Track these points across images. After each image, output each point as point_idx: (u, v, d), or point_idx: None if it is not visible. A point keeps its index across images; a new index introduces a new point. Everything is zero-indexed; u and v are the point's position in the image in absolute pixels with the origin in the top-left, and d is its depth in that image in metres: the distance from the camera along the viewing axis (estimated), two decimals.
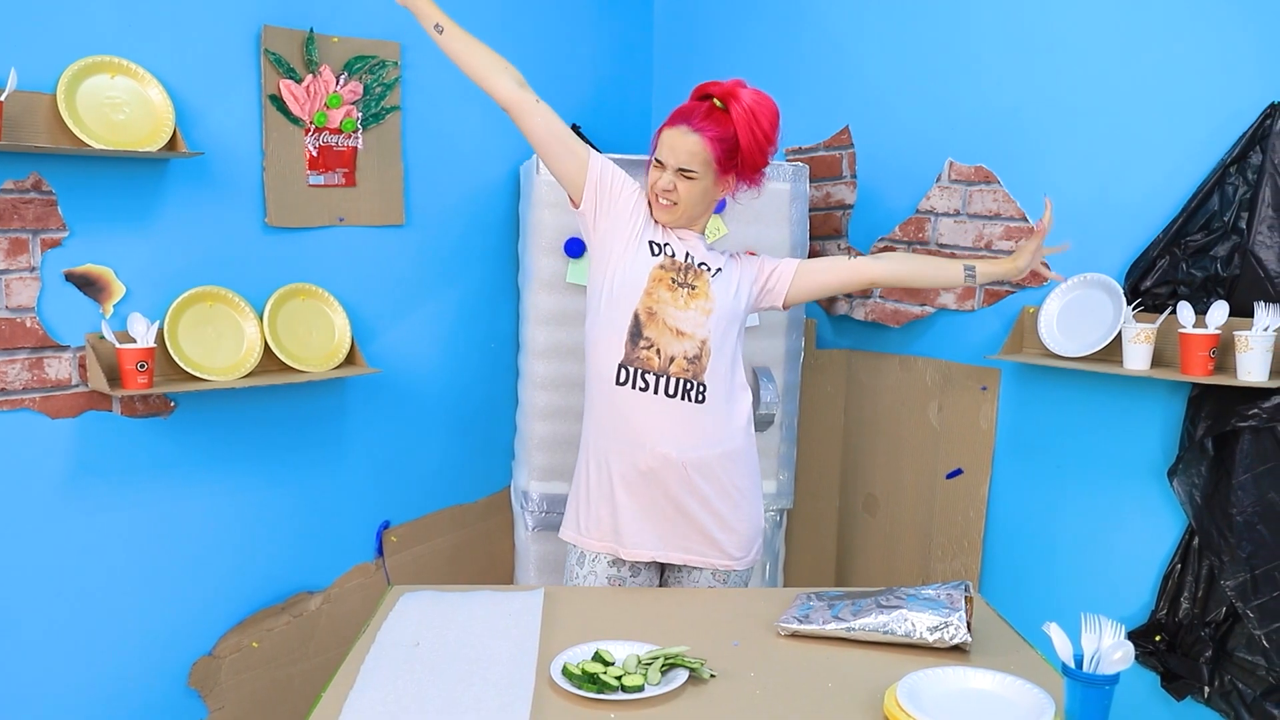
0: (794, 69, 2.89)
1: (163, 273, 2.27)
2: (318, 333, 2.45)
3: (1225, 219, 2.05)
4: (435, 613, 1.68)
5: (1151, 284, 2.15)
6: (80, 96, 2.08)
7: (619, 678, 1.40)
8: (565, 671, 1.42)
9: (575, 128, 2.97)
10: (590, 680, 1.40)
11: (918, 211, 2.61)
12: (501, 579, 2.96)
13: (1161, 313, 2.12)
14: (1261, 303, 1.95)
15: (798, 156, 2.91)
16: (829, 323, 2.92)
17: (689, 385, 1.91)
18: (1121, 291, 2.16)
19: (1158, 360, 2.12)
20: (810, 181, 2.78)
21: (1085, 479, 2.32)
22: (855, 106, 2.75)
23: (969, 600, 1.60)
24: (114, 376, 2.15)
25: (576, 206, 1.98)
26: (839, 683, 1.44)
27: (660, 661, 1.44)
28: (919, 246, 2.61)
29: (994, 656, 1.53)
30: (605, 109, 3.10)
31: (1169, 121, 2.13)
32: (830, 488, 2.91)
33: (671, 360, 1.90)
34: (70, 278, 2.15)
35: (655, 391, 1.90)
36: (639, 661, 1.45)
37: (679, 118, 1.91)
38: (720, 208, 2.02)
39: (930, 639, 1.53)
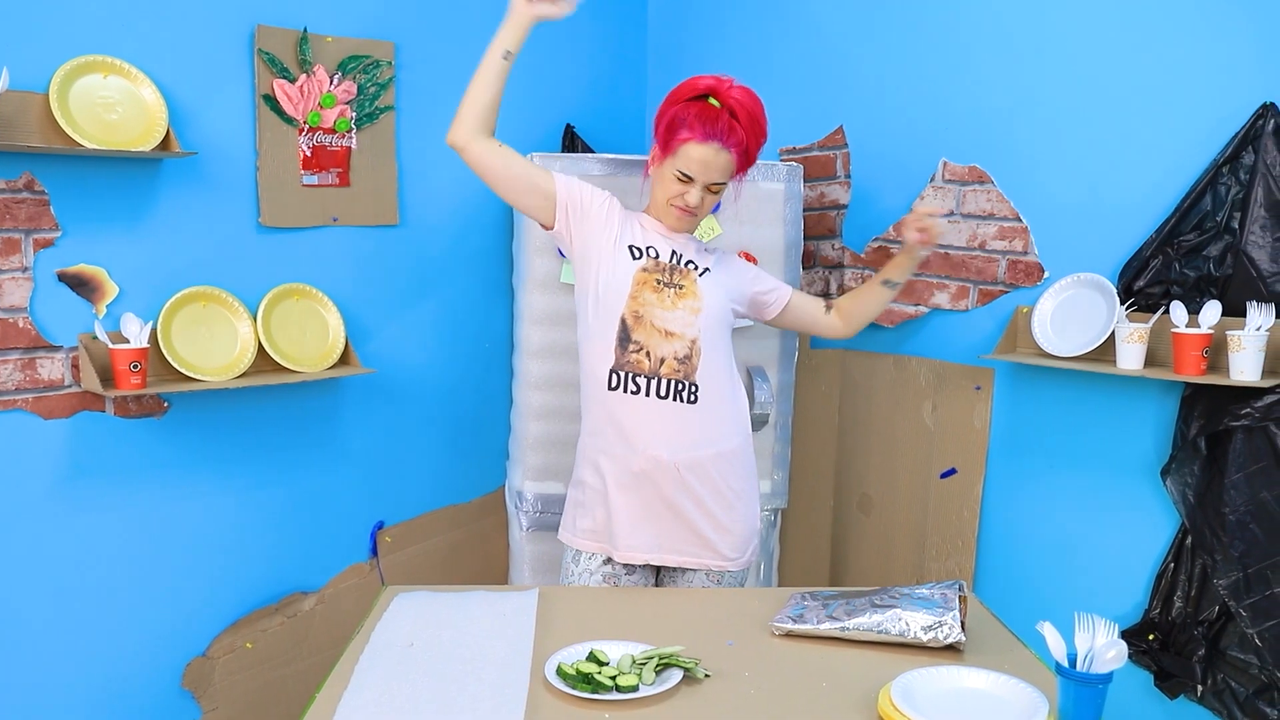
0: (788, 69, 2.89)
1: (156, 273, 2.26)
2: (311, 333, 2.45)
3: (1218, 219, 2.05)
4: (429, 613, 1.67)
5: (1145, 284, 2.16)
6: (73, 96, 2.07)
7: (614, 678, 1.40)
8: (560, 671, 1.42)
9: (569, 128, 2.97)
10: (585, 680, 1.40)
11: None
12: (496, 579, 2.96)
13: (1155, 312, 2.13)
14: (1254, 302, 1.96)
15: (792, 156, 2.91)
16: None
17: (680, 386, 1.90)
18: (1115, 291, 2.17)
19: (1151, 360, 2.13)
20: (804, 181, 2.78)
21: (1079, 478, 2.32)
22: (849, 106, 2.75)
23: (963, 599, 1.61)
24: (107, 377, 2.15)
25: (550, 229, 1.98)
26: (833, 682, 1.44)
27: (655, 661, 1.44)
28: None
29: (988, 656, 1.53)
30: (599, 109, 3.10)
31: (1162, 122, 2.13)
32: (825, 487, 2.92)
33: (662, 362, 1.90)
34: (63, 278, 2.14)
35: (647, 394, 1.90)
36: (633, 661, 1.45)
37: (706, 133, 1.88)
38: (716, 208, 2.03)
39: (924, 638, 1.53)
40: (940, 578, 2.60)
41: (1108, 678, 1.23)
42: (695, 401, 1.92)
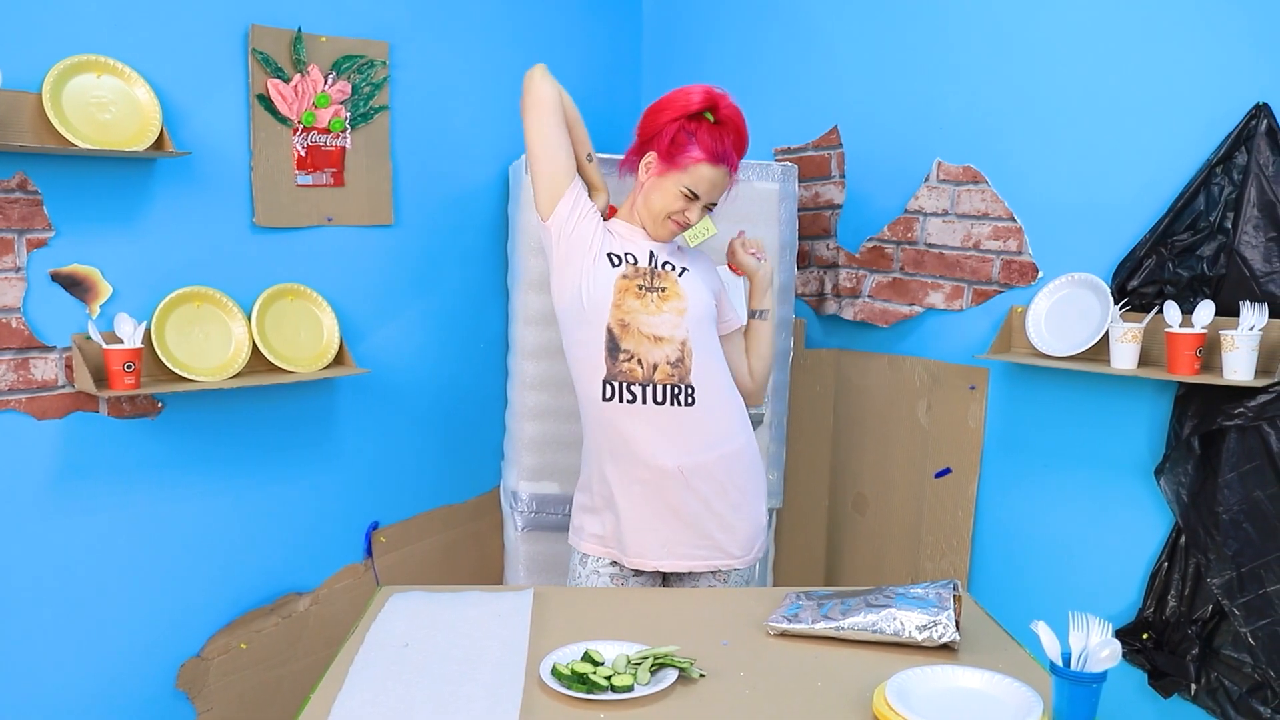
0: (783, 69, 2.89)
1: (150, 273, 2.25)
2: (306, 333, 2.45)
3: (1211, 219, 2.06)
4: (424, 613, 1.67)
5: (1138, 284, 2.17)
6: (66, 96, 2.07)
7: (608, 678, 1.40)
8: (555, 672, 1.42)
9: None
10: (580, 680, 1.39)
11: (906, 211, 2.62)
12: (491, 579, 2.95)
13: (1148, 312, 2.13)
14: (1247, 302, 1.97)
15: (786, 156, 2.91)
16: (818, 322, 2.92)
17: (676, 389, 1.90)
18: (1109, 291, 2.17)
19: (1145, 359, 2.13)
20: (799, 181, 2.78)
21: (1073, 478, 2.33)
22: (844, 107, 2.76)
23: (957, 599, 1.61)
24: (101, 377, 2.14)
25: (545, 218, 1.95)
26: (828, 682, 1.45)
27: (650, 661, 1.44)
28: (907, 246, 2.62)
29: (982, 655, 1.53)
30: (594, 109, 3.09)
31: (1156, 122, 2.14)
32: (819, 487, 2.92)
33: (655, 368, 1.89)
34: (56, 278, 2.14)
35: (643, 401, 1.89)
36: (628, 661, 1.45)
37: (717, 156, 1.90)
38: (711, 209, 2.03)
39: (919, 638, 1.54)
40: (935, 577, 2.60)
41: (1102, 677, 1.23)
42: (693, 404, 1.91)
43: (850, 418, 2.83)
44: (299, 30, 2.39)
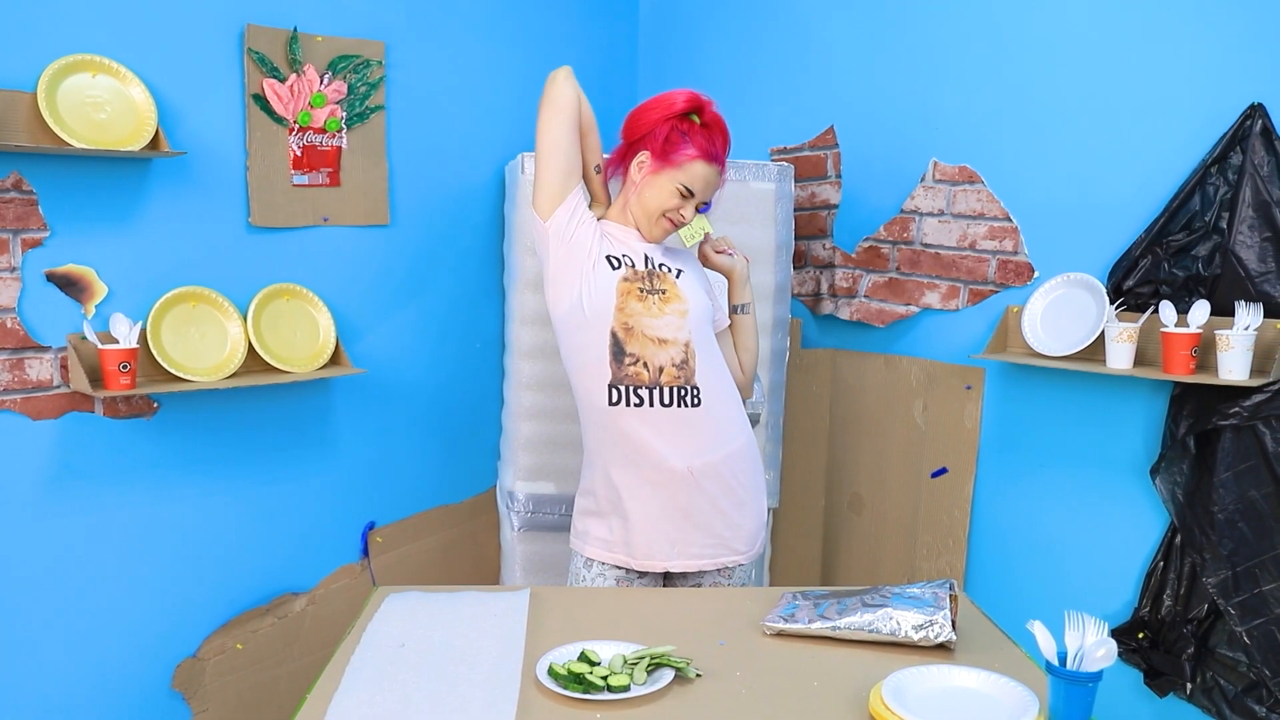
0: (779, 69, 2.89)
1: (145, 273, 2.25)
2: (302, 333, 2.44)
3: (1206, 219, 2.06)
4: (421, 613, 1.67)
5: (1134, 283, 2.17)
6: (61, 95, 2.07)
7: (605, 678, 1.40)
8: (551, 672, 1.42)
9: None
10: (576, 680, 1.39)
11: (902, 211, 2.62)
12: (487, 579, 2.95)
13: (1144, 312, 2.13)
14: (1242, 302, 1.97)
15: (783, 156, 2.92)
16: (814, 322, 2.92)
17: (683, 391, 1.89)
18: (1104, 291, 2.18)
19: (1140, 359, 2.13)
20: (795, 181, 2.79)
21: (1069, 477, 2.33)
22: (840, 107, 2.76)
23: (954, 598, 1.61)
24: (96, 377, 2.14)
25: (544, 219, 1.93)
26: (824, 681, 1.45)
27: (646, 661, 1.44)
28: (903, 246, 2.62)
29: (978, 654, 1.54)
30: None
31: (1151, 122, 2.14)
32: (816, 487, 2.92)
33: (661, 370, 1.89)
34: (51, 278, 2.13)
35: (650, 404, 1.88)
36: (625, 661, 1.45)
37: (711, 155, 1.92)
38: (706, 208, 2.03)
39: (915, 637, 1.54)
40: (931, 577, 2.60)
41: (1097, 676, 1.24)
42: (699, 404, 1.90)
43: (846, 418, 2.83)
44: (295, 30, 2.39)
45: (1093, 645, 1.24)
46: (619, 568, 1.97)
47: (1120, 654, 2.18)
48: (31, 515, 2.16)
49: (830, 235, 2.81)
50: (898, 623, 1.55)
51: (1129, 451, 2.22)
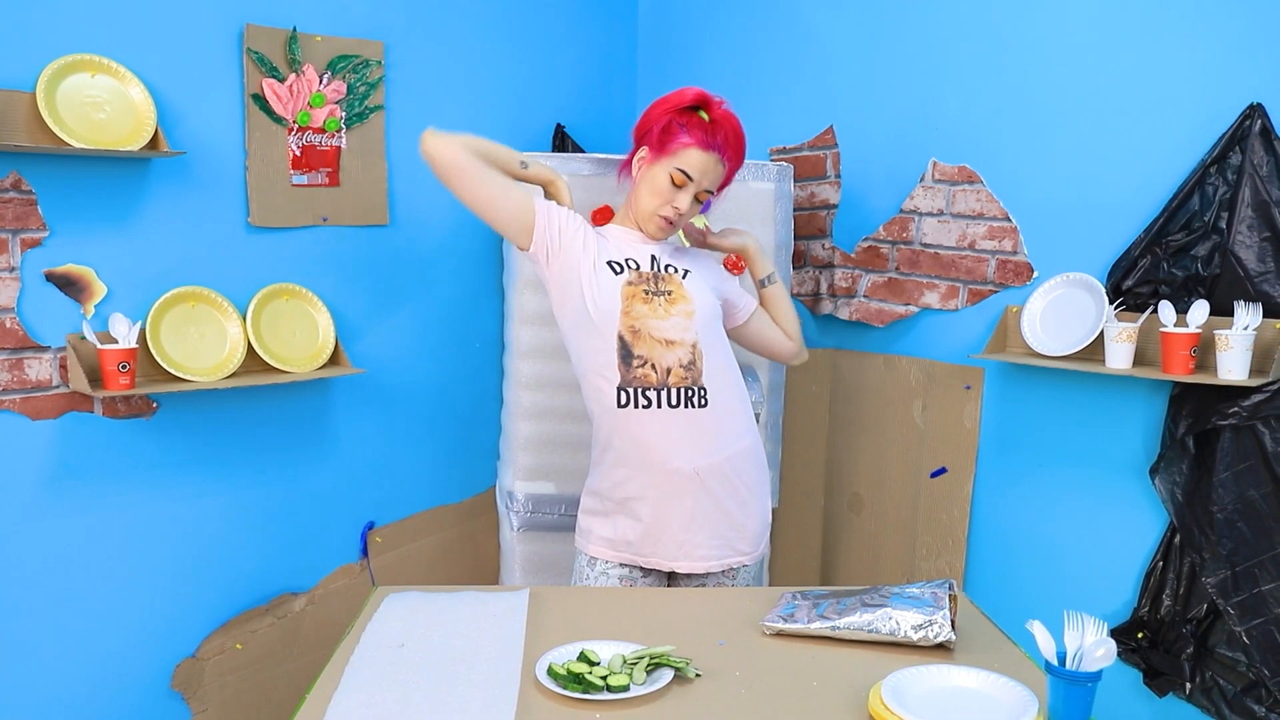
0: (778, 69, 2.89)
1: (144, 273, 2.25)
2: (301, 333, 2.44)
3: (1206, 219, 2.06)
4: (420, 613, 1.67)
5: (1133, 283, 2.17)
6: (60, 95, 2.07)
7: (604, 677, 1.40)
8: (550, 672, 1.42)
9: (559, 128, 2.97)
10: (575, 680, 1.39)
11: (901, 211, 2.62)
12: (487, 579, 2.95)
13: (1143, 312, 2.13)
14: (1241, 302, 1.97)
15: (782, 156, 2.92)
16: (814, 322, 2.92)
17: (690, 392, 1.89)
18: (1103, 291, 2.18)
19: (1139, 359, 2.13)
20: (794, 181, 2.79)
21: (1068, 477, 2.33)
22: (839, 107, 2.76)
23: (953, 598, 1.61)
24: (95, 377, 2.14)
25: (525, 249, 1.94)
26: (824, 681, 1.45)
27: (645, 661, 1.44)
28: (903, 246, 2.62)
29: (978, 654, 1.54)
30: (589, 109, 3.10)
31: (1150, 122, 2.14)
32: (815, 487, 2.92)
33: (668, 372, 1.89)
34: (51, 278, 2.13)
35: (659, 406, 1.89)
36: (624, 661, 1.45)
37: (709, 143, 1.90)
38: (705, 208, 2.02)
39: (914, 637, 1.54)
40: (930, 576, 2.60)
41: (1097, 676, 1.24)
42: (706, 405, 1.91)
43: (846, 417, 2.83)
44: (294, 30, 2.39)
45: (1092, 645, 1.24)
46: (624, 565, 1.97)
47: (1119, 654, 2.18)
48: (31, 515, 2.16)
49: (829, 235, 2.81)
50: (897, 623, 1.55)
51: (1128, 451, 2.22)
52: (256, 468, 2.48)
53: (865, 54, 2.68)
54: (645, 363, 1.88)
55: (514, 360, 2.60)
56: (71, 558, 2.22)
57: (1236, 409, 1.98)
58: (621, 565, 1.97)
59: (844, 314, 2.79)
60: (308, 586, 2.62)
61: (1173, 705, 2.18)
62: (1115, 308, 2.17)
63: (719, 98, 1.95)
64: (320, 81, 2.45)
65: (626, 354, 1.88)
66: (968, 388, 2.51)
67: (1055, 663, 1.26)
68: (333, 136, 2.49)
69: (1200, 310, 2.00)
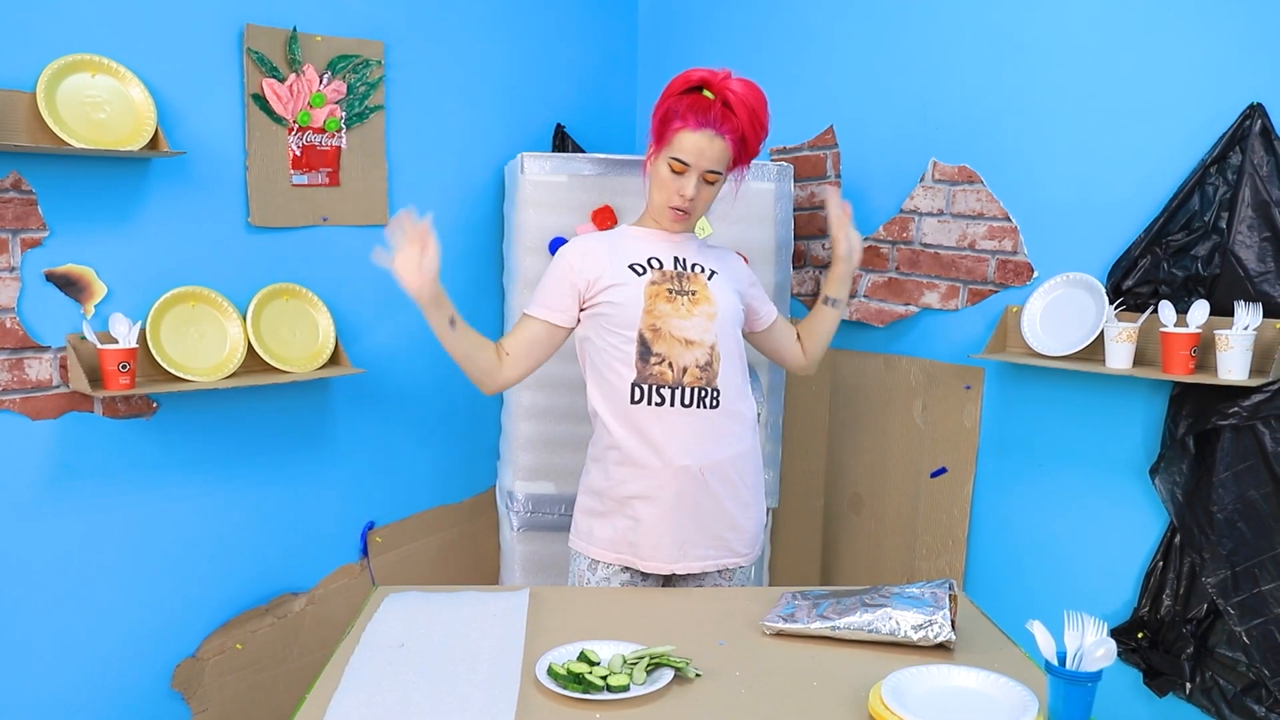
0: (778, 69, 2.89)
1: (144, 273, 2.25)
2: (301, 333, 2.44)
3: (1206, 219, 2.06)
4: (420, 614, 1.67)
5: (1133, 283, 2.17)
6: (60, 95, 2.07)
7: (604, 677, 1.40)
8: (550, 672, 1.42)
9: (559, 128, 2.97)
10: (575, 680, 1.39)
11: (902, 211, 2.62)
12: (487, 579, 2.95)
13: (1143, 312, 2.13)
14: (1241, 302, 1.97)
15: (782, 156, 2.92)
16: None
17: (703, 393, 1.89)
18: (1104, 291, 2.18)
19: (1139, 359, 2.13)
20: (795, 181, 2.79)
21: (1068, 477, 2.33)
22: (839, 107, 2.76)
23: (953, 598, 1.61)
24: (95, 377, 2.14)
25: (575, 325, 1.97)
26: (824, 681, 1.45)
27: (646, 661, 1.44)
28: (903, 246, 2.62)
29: (978, 654, 1.54)
30: (589, 108, 3.10)
31: (1150, 122, 2.14)
32: (815, 487, 2.92)
33: (684, 371, 1.88)
34: (51, 278, 2.13)
35: (671, 404, 1.88)
36: (624, 661, 1.45)
37: (700, 121, 1.85)
38: (735, 175, 1.98)
39: (914, 637, 1.54)
40: (930, 576, 2.60)
41: (1097, 676, 1.24)
42: (717, 406, 1.91)
43: (846, 417, 2.83)
44: (294, 30, 2.39)
45: (1092, 645, 1.24)
46: (625, 569, 1.96)
47: (1119, 654, 2.18)
48: (31, 515, 2.16)
49: (829, 235, 2.81)
50: (897, 623, 1.55)
51: (1128, 451, 2.22)
52: (257, 468, 2.48)
53: (865, 54, 2.68)
54: (663, 360, 1.88)
55: None
56: (71, 558, 2.22)
57: (1236, 409, 1.98)
58: (623, 570, 1.96)
59: (844, 314, 2.78)
60: (308, 586, 2.62)
61: (1173, 705, 2.18)
62: (1115, 308, 2.17)
63: (723, 71, 1.89)
64: (320, 81, 2.45)
65: (645, 351, 1.88)
66: (968, 388, 2.51)
67: (1055, 663, 1.26)
68: (333, 136, 2.49)
69: (1200, 310, 2.00)
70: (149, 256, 2.26)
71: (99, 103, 2.11)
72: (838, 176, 2.77)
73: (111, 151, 2.08)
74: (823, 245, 2.84)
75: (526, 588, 1.82)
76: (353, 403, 2.64)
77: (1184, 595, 2.12)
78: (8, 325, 2.09)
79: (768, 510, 2.73)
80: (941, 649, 1.55)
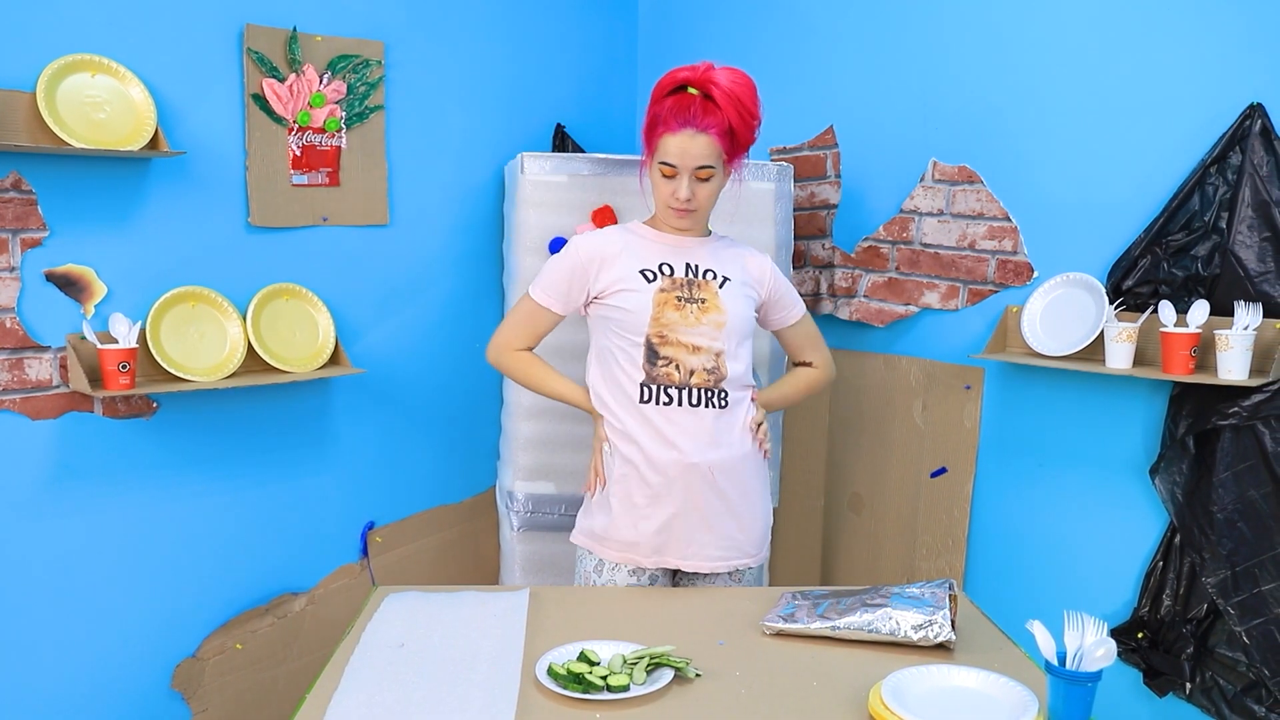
0: (779, 68, 2.89)
1: (144, 273, 2.25)
2: (301, 333, 2.44)
3: (1206, 219, 2.06)
4: (420, 613, 1.67)
5: (1133, 283, 2.17)
6: (60, 95, 2.07)
7: (604, 677, 1.40)
8: (551, 672, 1.42)
9: (559, 127, 2.97)
10: (575, 680, 1.39)
11: (901, 211, 2.62)
12: (487, 579, 2.95)
13: (1143, 312, 2.13)
14: (1241, 302, 1.97)
15: (782, 156, 2.92)
16: (814, 322, 2.92)
17: (711, 393, 1.90)
18: (1104, 291, 2.18)
19: (1139, 359, 2.13)
20: (795, 181, 2.79)
21: (1068, 477, 2.33)
22: (839, 106, 2.76)
23: (953, 598, 1.61)
24: (95, 377, 2.14)
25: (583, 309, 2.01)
26: (824, 681, 1.45)
27: (645, 661, 1.44)
28: (903, 246, 2.62)
29: (978, 654, 1.54)
30: (589, 108, 3.10)
31: (1150, 122, 2.14)
32: (815, 487, 2.92)
33: (692, 373, 1.89)
34: (51, 278, 2.13)
35: (679, 404, 1.89)
36: (624, 661, 1.45)
37: (679, 121, 1.83)
38: (740, 169, 1.97)
39: (914, 637, 1.54)
40: (930, 576, 2.60)
41: (1097, 676, 1.24)
42: (725, 406, 1.91)
43: (846, 417, 2.83)
44: (294, 30, 2.39)
45: (1092, 645, 1.24)
46: (631, 570, 1.96)
47: (1119, 654, 2.18)
48: (31, 515, 2.16)
49: (830, 235, 2.81)
50: (897, 623, 1.55)
51: (1128, 451, 2.22)
52: (257, 468, 2.48)
53: (865, 54, 2.68)
54: (670, 363, 1.89)
55: None
56: (71, 558, 2.22)
57: (1236, 409, 1.98)
58: (631, 573, 1.95)
59: (844, 314, 2.79)
60: (308, 586, 2.62)
61: (1173, 705, 2.18)
62: (1115, 308, 2.17)
63: (704, 65, 1.87)
64: (320, 81, 2.45)
65: (653, 355, 1.89)
66: (968, 388, 2.51)
67: (1055, 663, 1.26)
68: (333, 136, 2.49)
69: (1200, 310, 2.00)
70: (149, 256, 2.25)
71: (99, 103, 2.11)
72: (838, 176, 2.77)
73: (111, 151, 2.08)
74: (823, 245, 2.84)
75: (526, 588, 1.82)
76: (353, 403, 2.64)
77: (1184, 595, 2.12)
78: (8, 325, 2.09)
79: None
80: (941, 649, 1.55)
